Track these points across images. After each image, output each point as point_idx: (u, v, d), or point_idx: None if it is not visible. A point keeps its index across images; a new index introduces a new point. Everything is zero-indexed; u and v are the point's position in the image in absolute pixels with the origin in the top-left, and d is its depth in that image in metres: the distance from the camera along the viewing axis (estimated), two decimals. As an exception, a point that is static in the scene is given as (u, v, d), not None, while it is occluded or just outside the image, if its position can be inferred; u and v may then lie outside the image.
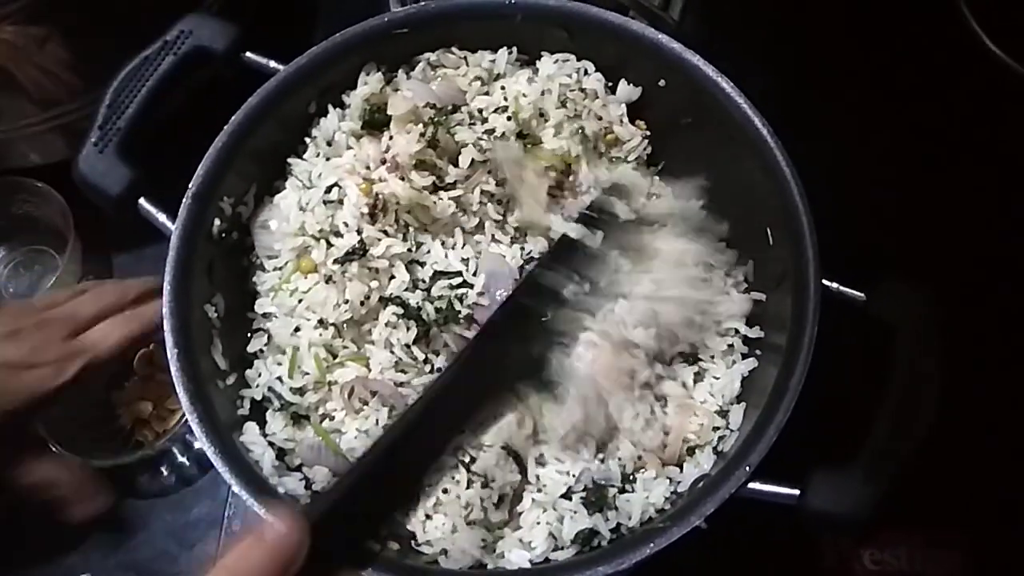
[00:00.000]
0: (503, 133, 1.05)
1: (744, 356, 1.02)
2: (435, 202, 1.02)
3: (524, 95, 1.07)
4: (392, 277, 1.01)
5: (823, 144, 1.16)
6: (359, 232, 0.99)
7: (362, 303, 0.99)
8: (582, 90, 1.09)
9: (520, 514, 0.94)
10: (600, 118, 1.09)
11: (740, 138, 1.00)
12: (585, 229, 0.97)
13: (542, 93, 1.07)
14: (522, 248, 1.05)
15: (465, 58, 1.10)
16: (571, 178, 1.08)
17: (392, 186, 1.01)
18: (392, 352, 0.99)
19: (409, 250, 1.02)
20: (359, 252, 0.98)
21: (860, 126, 1.29)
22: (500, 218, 1.05)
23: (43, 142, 1.25)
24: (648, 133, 1.11)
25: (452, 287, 1.02)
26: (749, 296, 1.03)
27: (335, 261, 0.99)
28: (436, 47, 1.09)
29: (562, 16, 1.07)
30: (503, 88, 1.08)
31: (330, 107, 1.07)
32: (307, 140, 1.08)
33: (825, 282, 0.94)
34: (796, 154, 0.97)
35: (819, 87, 1.30)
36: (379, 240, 1.00)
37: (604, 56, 1.10)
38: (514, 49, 1.10)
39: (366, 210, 0.99)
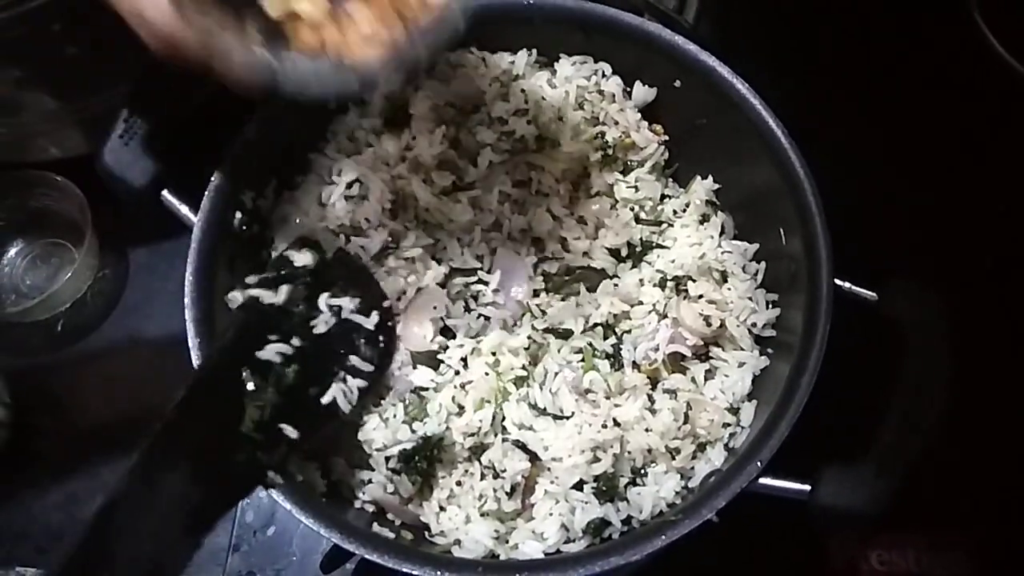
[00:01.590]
0: (522, 136, 1.07)
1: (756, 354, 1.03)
2: (454, 205, 1.04)
3: (544, 98, 1.09)
4: (417, 272, 1.03)
5: (835, 145, 1.16)
6: (381, 227, 1.01)
7: (399, 299, 1.02)
8: (600, 92, 1.10)
9: (533, 505, 0.96)
10: (617, 123, 1.11)
11: (754, 139, 1.01)
12: (262, 291, 0.94)
13: (564, 96, 1.09)
14: (536, 246, 1.07)
15: (484, 59, 1.11)
16: (587, 180, 1.10)
17: (414, 187, 1.03)
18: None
19: (430, 245, 1.04)
20: (393, 246, 1.01)
21: (873, 128, 1.30)
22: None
23: (63, 136, 1.26)
24: (666, 138, 1.13)
25: (467, 284, 1.04)
26: (776, 309, 1.04)
27: (372, 258, 1.01)
28: (455, 47, 1.10)
29: (579, 17, 1.08)
30: (523, 91, 1.09)
31: (350, 104, 1.09)
32: (327, 136, 1.09)
33: (837, 281, 0.95)
34: (808, 155, 0.99)
35: (831, 90, 1.31)
36: (406, 234, 1.02)
37: (621, 58, 1.11)
38: (533, 51, 1.12)
39: (389, 206, 1.01)
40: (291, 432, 0.88)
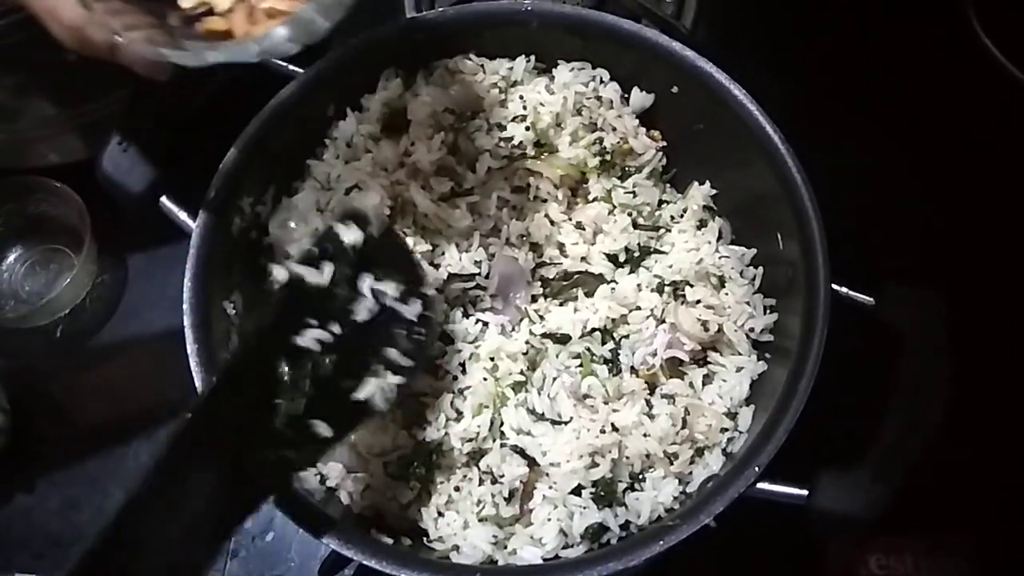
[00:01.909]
0: (520, 142, 1.07)
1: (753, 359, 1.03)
2: (453, 211, 1.04)
3: (542, 104, 1.09)
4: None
5: (832, 150, 1.16)
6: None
7: None
8: (598, 98, 1.11)
9: (531, 511, 0.96)
10: (615, 128, 1.11)
11: (752, 144, 1.01)
12: (306, 269, 0.87)
13: (562, 102, 1.09)
14: (534, 251, 1.07)
15: (483, 65, 1.11)
16: (585, 186, 1.11)
17: (412, 193, 1.03)
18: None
19: (429, 251, 1.04)
20: None
21: (870, 132, 1.30)
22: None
23: (61, 142, 1.26)
24: (663, 144, 1.13)
25: (466, 289, 1.04)
26: (774, 314, 1.04)
27: None
28: (454, 53, 1.11)
29: (577, 23, 1.08)
30: (522, 97, 1.10)
31: (348, 110, 1.09)
32: (326, 142, 1.10)
33: (834, 286, 0.95)
34: (805, 160, 0.99)
35: (828, 95, 1.32)
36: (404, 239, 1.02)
37: (619, 64, 1.11)
38: (532, 58, 1.12)
39: (387, 211, 1.01)
40: (324, 430, 0.83)
